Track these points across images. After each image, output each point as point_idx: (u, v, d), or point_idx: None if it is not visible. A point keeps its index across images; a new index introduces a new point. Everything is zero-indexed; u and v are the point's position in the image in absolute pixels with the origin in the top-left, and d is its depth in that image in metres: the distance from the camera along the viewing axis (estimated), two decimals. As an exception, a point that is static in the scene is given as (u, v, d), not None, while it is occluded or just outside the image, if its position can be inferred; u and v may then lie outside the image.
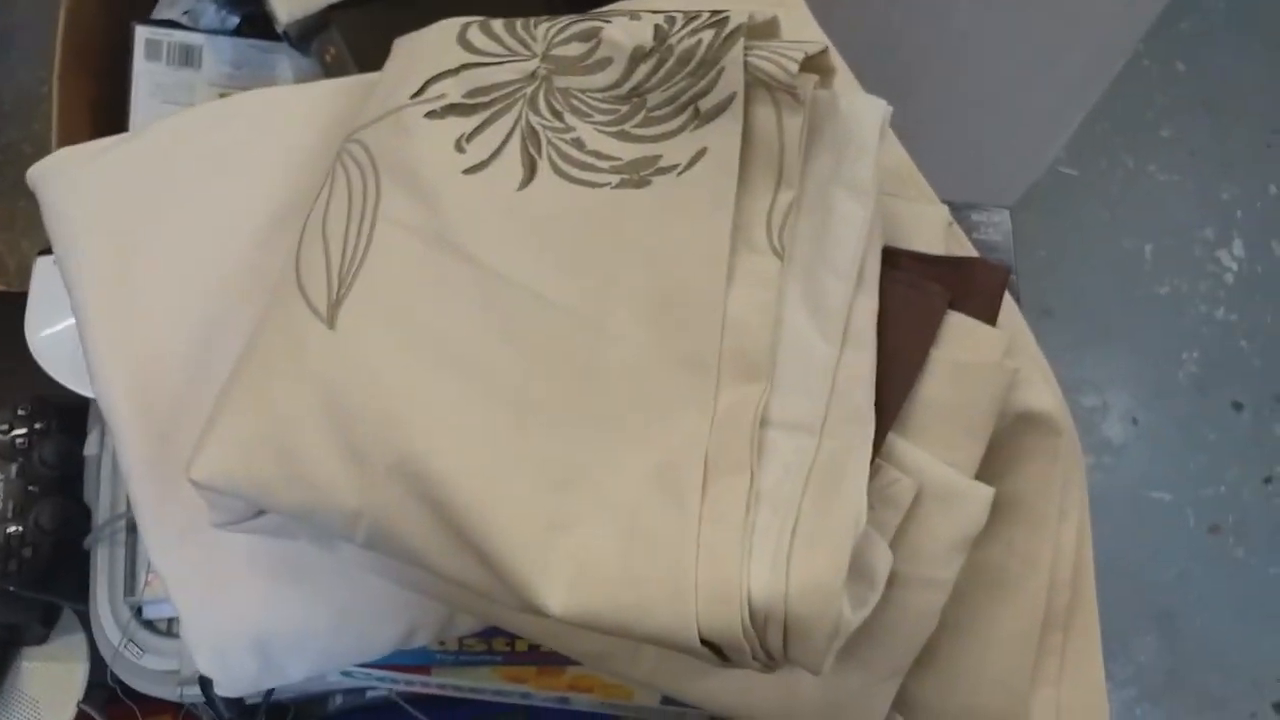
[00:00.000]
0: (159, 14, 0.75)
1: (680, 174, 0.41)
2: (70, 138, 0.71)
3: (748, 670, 0.34)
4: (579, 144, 0.42)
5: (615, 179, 0.41)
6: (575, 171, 0.41)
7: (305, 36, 0.68)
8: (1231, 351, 1.06)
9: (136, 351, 0.43)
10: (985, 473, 0.41)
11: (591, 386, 0.38)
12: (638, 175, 0.41)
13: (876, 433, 0.38)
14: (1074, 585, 0.44)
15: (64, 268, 0.45)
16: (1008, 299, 0.47)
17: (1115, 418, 1.04)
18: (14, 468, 0.60)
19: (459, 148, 0.41)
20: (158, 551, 0.41)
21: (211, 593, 0.41)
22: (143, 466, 0.42)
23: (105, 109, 0.75)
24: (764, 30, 0.43)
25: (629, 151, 0.42)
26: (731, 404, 0.37)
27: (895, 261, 0.43)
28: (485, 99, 0.42)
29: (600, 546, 0.34)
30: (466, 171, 0.41)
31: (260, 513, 0.38)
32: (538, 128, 0.42)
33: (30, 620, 0.60)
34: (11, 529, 0.58)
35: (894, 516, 0.38)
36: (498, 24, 0.44)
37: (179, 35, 0.75)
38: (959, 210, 0.55)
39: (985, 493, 0.39)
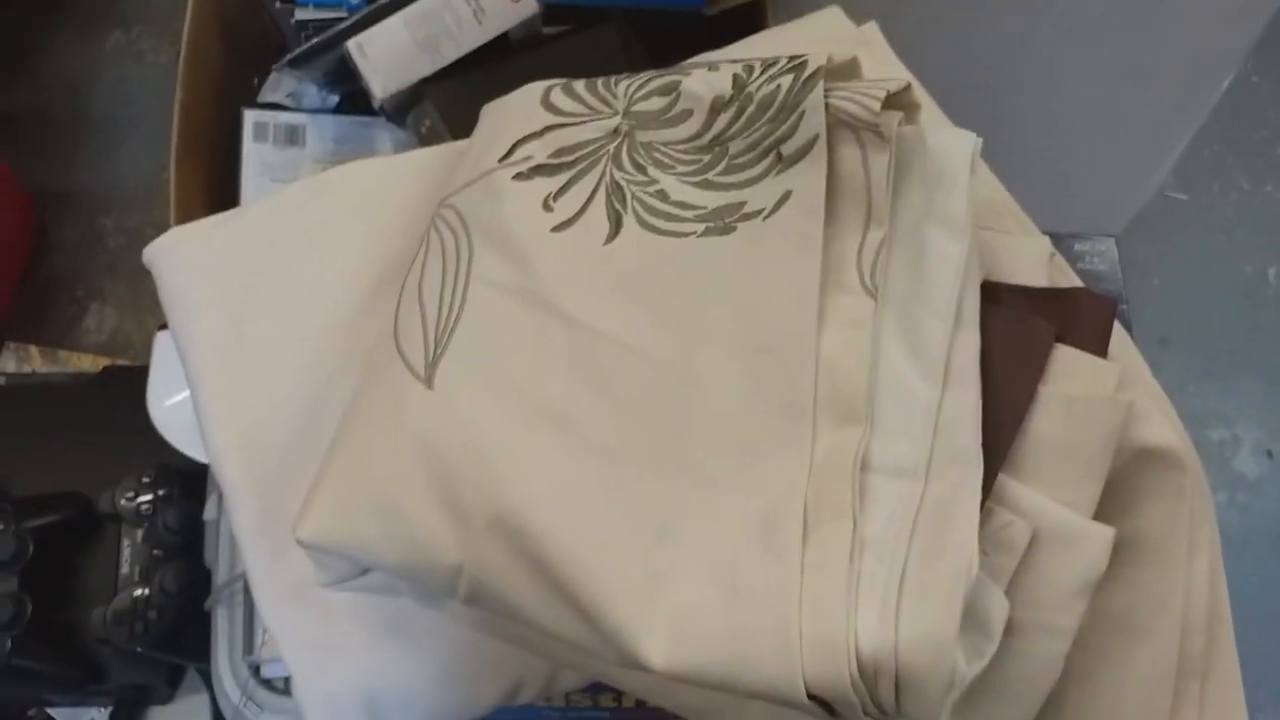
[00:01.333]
0: (264, 97, 0.79)
1: (766, 219, 0.41)
2: (187, 218, 0.75)
3: (860, 725, 0.33)
4: (663, 195, 0.42)
5: (700, 227, 0.41)
6: (660, 223, 0.41)
7: (401, 110, 0.71)
8: (1370, 376, 0.99)
9: (246, 419, 0.45)
10: (1105, 512, 0.39)
11: (686, 436, 0.37)
12: (723, 222, 0.41)
13: (986, 474, 0.37)
14: (1209, 629, 0.41)
15: (178, 340, 0.47)
16: (1119, 330, 0.45)
17: (1247, 451, 0.98)
18: (139, 533, 0.63)
19: (547, 206, 0.42)
20: (269, 611, 0.42)
21: (322, 651, 0.42)
22: (253, 529, 0.43)
23: (219, 190, 0.79)
24: (844, 71, 0.43)
25: (713, 200, 0.42)
26: (830, 448, 0.37)
27: (996, 296, 0.42)
28: (570, 158, 0.43)
29: (701, 598, 0.33)
30: (555, 229, 0.42)
31: (366, 571, 0.39)
32: (622, 182, 0.42)
33: (156, 680, 0.62)
34: (138, 593, 0.61)
35: (1009, 561, 0.36)
36: (580, 84, 0.45)
37: (284, 117, 0.79)
38: (1061, 241, 0.53)
39: (1105, 533, 0.37)
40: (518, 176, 0.43)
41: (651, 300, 0.40)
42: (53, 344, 1.03)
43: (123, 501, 0.63)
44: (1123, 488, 0.40)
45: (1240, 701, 0.41)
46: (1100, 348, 0.41)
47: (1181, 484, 0.40)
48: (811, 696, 0.32)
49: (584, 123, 0.44)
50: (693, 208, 0.42)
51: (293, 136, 0.80)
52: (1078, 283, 0.47)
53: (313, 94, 0.81)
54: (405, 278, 0.43)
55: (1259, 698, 0.90)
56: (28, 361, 0.81)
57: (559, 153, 0.43)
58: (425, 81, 0.68)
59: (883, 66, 0.53)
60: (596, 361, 0.38)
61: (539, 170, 0.43)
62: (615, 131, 0.43)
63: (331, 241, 0.48)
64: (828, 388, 0.38)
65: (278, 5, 0.76)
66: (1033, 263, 0.45)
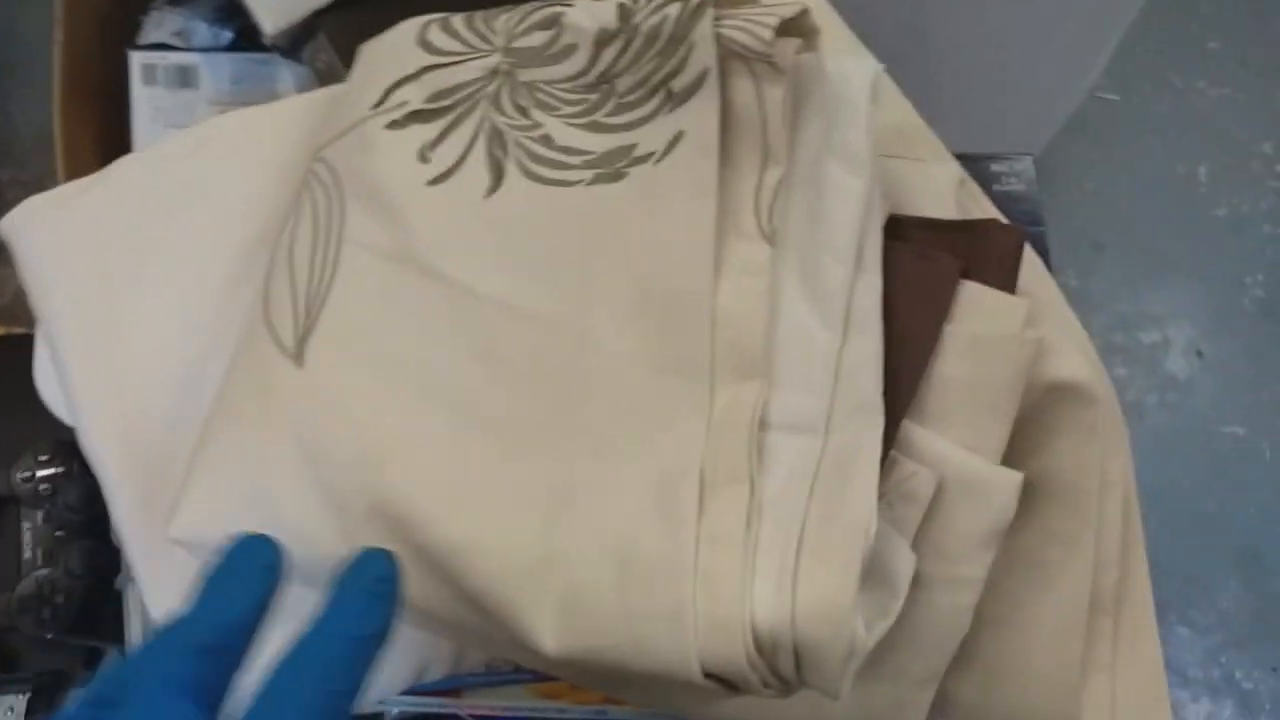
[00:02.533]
0: (146, 38, 0.74)
1: (657, 162, 0.38)
2: (77, 170, 0.71)
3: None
4: (547, 141, 0.39)
5: (589, 174, 0.39)
6: (545, 171, 0.39)
7: (296, 45, 0.66)
8: (1301, 272, 1.00)
9: (120, 405, 0.42)
10: (1014, 451, 0.38)
11: (577, 402, 0.35)
12: (612, 168, 0.39)
13: (890, 422, 0.35)
14: (1122, 562, 0.40)
15: (43, 320, 0.44)
16: (1032, 257, 0.44)
17: (1178, 352, 0.98)
18: (39, 515, 0.60)
19: (423, 158, 0.39)
20: (156, 607, 0.40)
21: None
22: (134, 521, 0.41)
23: (110, 139, 0.75)
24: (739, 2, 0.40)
25: (601, 143, 0.39)
26: (728, 406, 0.35)
27: (900, 231, 0.40)
28: (447, 102, 0.40)
29: (593, 578, 0.32)
30: (431, 183, 0.39)
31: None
32: (503, 128, 0.39)
33: (72, 664, 0.60)
34: (43, 575, 0.58)
35: (915, 512, 0.35)
36: (458, 19, 0.42)
37: (174, 57, 0.74)
38: (976, 163, 0.51)
39: (1013, 479, 0.36)
40: (391, 125, 0.40)
41: (538, 257, 0.37)
42: (-50, 309, 0.97)
43: (19, 481, 0.60)
44: (1032, 425, 0.39)
45: (1153, 629, 0.41)
46: (1009, 281, 0.39)
47: (1093, 419, 0.39)
48: (709, 674, 0.30)
49: (461, 62, 0.41)
50: (580, 153, 0.39)
51: (185, 78, 0.75)
52: (991, 209, 0.45)
53: (203, 31, 0.76)
54: (277, 243, 0.40)
55: (1191, 592, 0.93)
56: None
57: (435, 96, 0.40)
58: (319, 14, 0.64)
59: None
60: (479, 327, 0.36)
61: (414, 117, 0.40)
62: (494, 71, 0.40)
63: (208, 201, 0.45)
64: (725, 342, 0.36)
65: (158, -64, 0.71)
66: (941, 191, 0.43)
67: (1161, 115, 1.11)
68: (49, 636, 0.58)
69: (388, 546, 0.33)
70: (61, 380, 0.43)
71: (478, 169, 0.39)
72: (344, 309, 0.36)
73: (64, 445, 0.61)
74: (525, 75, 0.40)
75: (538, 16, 0.40)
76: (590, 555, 0.32)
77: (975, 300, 0.38)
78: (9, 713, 0.62)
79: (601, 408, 0.35)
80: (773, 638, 0.30)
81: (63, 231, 0.44)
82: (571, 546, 0.33)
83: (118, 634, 0.58)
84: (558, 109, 0.40)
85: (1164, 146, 1.10)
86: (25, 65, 1.13)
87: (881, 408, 0.35)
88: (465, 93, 0.40)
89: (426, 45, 0.41)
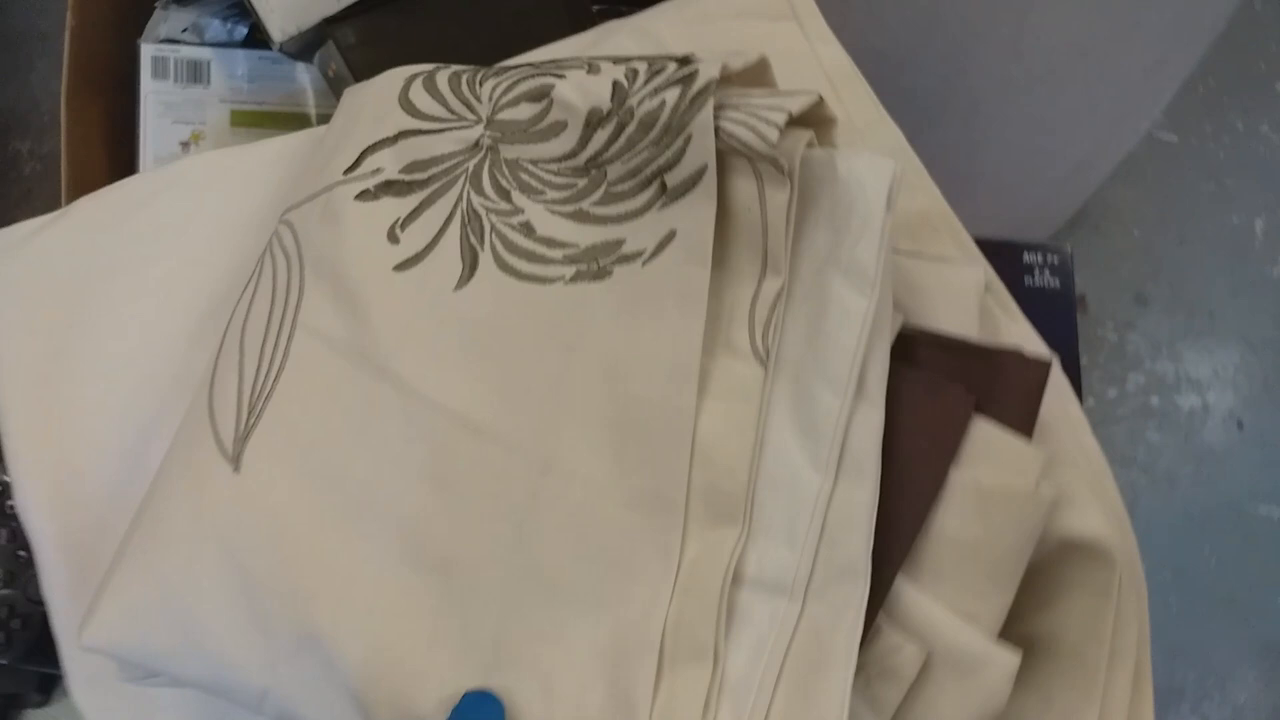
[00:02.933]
0: (152, 35, 0.71)
1: (645, 263, 0.34)
2: (80, 161, 0.68)
3: None
4: (527, 229, 0.35)
5: (569, 270, 0.35)
6: (523, 264, 0.35)
7: (305, 51, 0.63)
8: (1357, 341, 0.93)
9: (59, 471, 0.39)
10: (1018, 605, 0.34)
11: (532, 537, 0.32)
12: (596, 265, 0.35)
13: (879, 581, 0.32)
14: (1129, 734, 0.36)
15: (-14, 366, 0.41)
16: (1057, 374, 0.40)
17: (1217, 421, 0.93)
18: (5, 533, 0.58)
19: (392, 237, 0.36)
20: (78, 693, 0.38)
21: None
22: (62, 599, 0.38)
23: (117, 130, 0.72)
24: (751, 76, 0.36)
25: (586, 235, 0.35)
26: (700, 556, 0.31)
27: (911, 350, 0.36)
28: (423, 175, 0.36)
29: None
30: (398, 268, 0.35)
31: (170, 669, 0.34)
32: (480, 210, 0.36)
33: (26, 689, 0.58)
34: (2, 594, 0.56)
35: (894, 694, 0.31)
36: (443, 79, 0.38)
37: (186, 51, 0.71)
38: (1005, 253, 0.47)
39: (1009, 662, 0.32)
40: (362, 195, 0.36)
41: (506, 363, 0.34)
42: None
43: (-19, 501, 0.58)
44: (1040, 578, 0.35)
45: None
46: (1028, 422, 0.35)
47: (1108, 582, 0.35)
48: None
49: (442, 131, 0.37)
50: (562, 245, 0.35)
51: (196, 73, 0.72)
52: (1019, 318, 0.41)
53: (216, 26, 0.73)
54: (234, 309, 0.37)
55: (1206, 683, 0.88)
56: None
57: (412, 167, 0.37)
58: (329, 21, 0.60)
59: (812, 43, 0.45)
60: (433, 444, 0.33)
61: (387, 188, 0.36)
62: (476, 145, 0.37)
63: (170, 252, 0.41)
64: (703, 478, 0.32)
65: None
66: (964, 297, 0.39)
67: (1220, 160, 1.05)
68: (3, 662, 0.56)
69: (315, 685, 0.31)
70: (2, 433, 0.40)
71: (449, 256, 0.35)
72: (289, 408, 0.33)
73: (31, 464, 0.59)
74: (509, 152, 0.36)
75: (527, 86, 0.36)
76: None
77: (987, 444, 0.34)
78: (-39, 728, 0.60)
79: (560, 544, 0.32)
80: None
81: (15, 272, 0.41)
82: (511, 709, 0.29)
83: (72, 666, 0.56)
84: (542, 192, 0.36)
85: (1220, 195, 1.03)
86: (47, 37, 1.10)
87: (868, 573, 0.31)
88: (444, 166, 0.36)
89: (408, 106, 0.38)
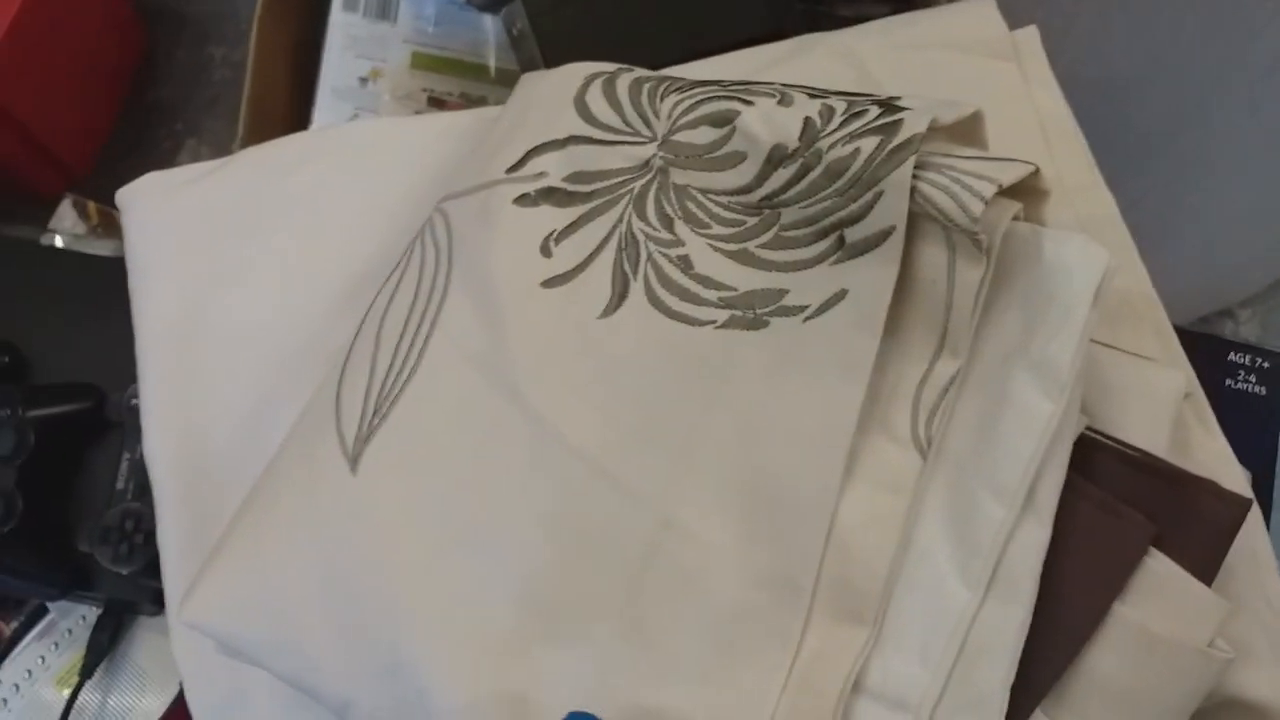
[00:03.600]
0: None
1: (807, 319, 0.32)
2: (264, 82, 0.69)
3: None
4: (685, 263, 0.33)
5: (723, 315, 0.32)
6: (674, 301, 0.33)
7: (493, 5, 0.62)
8: None
9: (187, 418, 0.39)
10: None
11: (644, 595, 0.30)
12: (753, 313, 0.32)
13: (1014, 710, 0.28)
14: None
15: (133, 301, 0.41)
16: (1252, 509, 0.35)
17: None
18: (140, 448, 0.60)
19: (545, 250, 0.34)
20: (181, 652, 0.38)
21: (227, 703, 0.38)
22: (176, 551, 0.39)
23: (301, 56, 0.73)
24: (961, 129, 0.32)
25: (747, 280, 0.33)
26: (820, 652, 0.29)
27: (1089, 459, 0.32)
28: (587, 188, 0.34)
29: None
30: (546, 284, 0.33)
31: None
32: (639, 235, 0.33)
33: (141, 599, 0.60)
34: (131, 507, 0.58)
35: None
36: (624, 85, 0.36)
37: (379, -16, 0.71)
38: (1207, 348, 0.42)
39: None
40: (521, 199, 0.35)
41: (641, 405, 0.32)
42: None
43: (128, 407, 0.59)
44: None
45: None
46: (1212, 565, 0.31)
47: (1275, 755, 0.31)
48: None
49: (614, 143, 0.35)
50: (719, 286, 0.33)
51: (384, 9, 0.72)
52: (1215, 434, 0.36)
53: (413, -38, 0.73)
54: (377, 293, 0.36)
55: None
56: (86, 218, 0.77)
57: (576, 177, 0.35)
58: (519, -25, 0.59)
59: (1031, 88, 0.41)
60: (555, 482, 0.31)
61: (548, 195, 0.35)
62: (646, 165, 0.34)
63: (318, 217, 0.41)
64: (836, 569, 0.29)
65: None
66: (1160, 404, 0.35)
67: None
68: (123, 572, 0.58)
69: (397, 709, 0.30)
70: (138, 375, 0.40)
71: (600, 280, 0.33)
72: (415, 415, 0.32)
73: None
74: (680, 177, 0.34)
75: (711, 109, 0.34)
76: None
77: (1162, 583, 0.30)
78: (81, 620, 0.63)
79: (670, 608, 0.30)
80: None
81: (169, 217, 0.41)
82: None
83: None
84: (707, 226, 0.33)
85: None
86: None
87: (1004, 711, 0.28)
88: (609, 182, 0.34)
89: (582, 109, 0.36)
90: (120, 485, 0.60)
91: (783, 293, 0.32)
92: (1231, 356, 0.42)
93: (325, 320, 0.39)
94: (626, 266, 0.33)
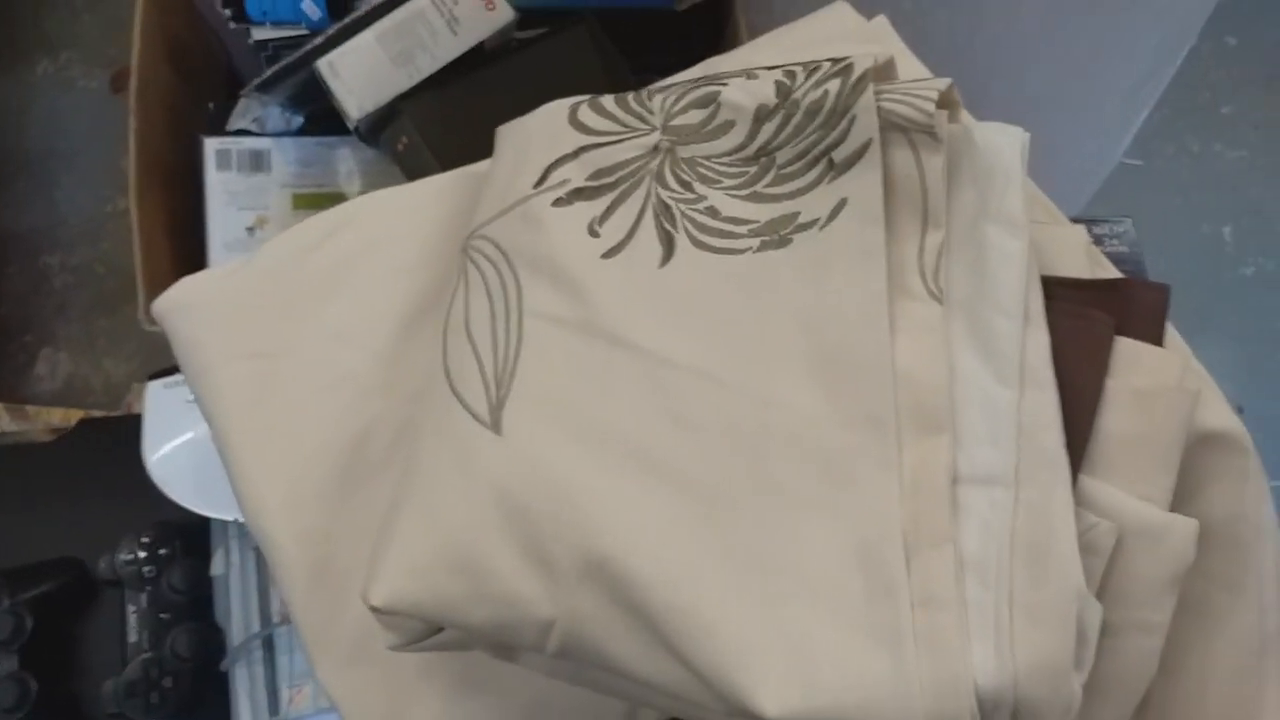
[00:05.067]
0: (235, 124, 0.76)
1: (823, 228, 0.40)
2: (152, 255, 0.72)
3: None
4: (713, 212, 0.41)
5: (755, 242, 0.40)
6: (714, 240, 0.40)
7: (375, 129, 0.68)
8: (1331, 324, 1.03)
9: (285, 474, 0.42)
10: (1172, 499, 0.39)
11: (769, 462, 0.36)
12: (778, 235, 0.40)
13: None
14: (1281, 606, 0.41)
15: (200, 397, 0.44)
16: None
17: (1221, 408, 1.01)
18: (144, 597, 0.60)
19: (592, 232, 0.41)
20: (328, 675, 0.40)
21: (391, 715, 0.40)
22: (304, 590, 0.41)
23: (182, 223, 0.76)
24: (885, 72, 0.42)
25: (764, 213, 0.41)
26: (918, 463, 0.36)
27: (1049, 291, 0.41)
28: (610, 179, 0.42)
29: (812, 643, 0.32)
30: (605, 255, 0.40)
31: (438, 630, 0.37)
32: (669, 201, 0.41)
33: (177, 749, 0.59)
34: (149, 658, 0.58)
35: (1098, 564, 0.36)
36: (608, 101, 0.44)
37: (247, 142, 0.76)
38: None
39: (1189, 526, 0.37)
40: (557, 203, 0.41)
41: (716, 322, 0.39)
42: (3, 396, 0.97)
43: (123, 564, 0.59)
44: (1186, 474, 0.40)
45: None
46: (1156, 336, 0.41)
47: (1245, 467, 0.40)
48: None
49: (620, 141, 0.42)
50: (745, 222, 0.40)
51: (258, 162, 0.77)
52: (1113, 270, 0.47)
53: (276, 116, 0.78)
54: (447, 317, 0.41)
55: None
56: (-10, 419, 0.76)
57: (597, 174, 0.42)
58: (401, 98, 0.66)
59: (901, 61, 0.52)
60: (669, 391, 0.37)
61: (578, 194, 0.42)
62: (655, 149, 0.42)
63: (352, 281, 0.46)
64: (908, 398, 0.37)
65: (232, 26, 0.72)
66: (1073, 253, 0.45)
67: (1183, 179, 1.15)
68: (155, 720, 0.57)
69: (601, 608, 0.34)
70: (222, 454, 0.43)
71: (649, 241, 0.40)
72: (536, 378, 0.37)
73: (166, 527, 0.61)
74: (685, 151, 0.42)
75: (694, 96, 0.42)
76: (804, 619, 0.33)
77: (1132, 356, 0.39)
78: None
79: (792, 467, 0.36)
80: (995, 699, 0.31)
81: (218, 309, 0.45)
82: (787, 610, 0.33)
83: (222, 717, 0.57)
84: (719, 181, 0.41)
85: (1188, 209, 1.13)
86: (71, 154, 1.14)
87: (1067, 462, 0.36)
88: (628, 170, 0.42)
89: (580, 126, 0.43)
90: (133, 638, 0.59)
91: (795, 215, 0.40)
92: (1094, 229, 0.54)
93: (393, 359, 0.44)
94: (667, 226, 0.40)
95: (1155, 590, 0.36)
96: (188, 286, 0.46)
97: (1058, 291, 0.41)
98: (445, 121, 0.66)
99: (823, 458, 0.36)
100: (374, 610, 0.35)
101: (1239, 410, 1.00)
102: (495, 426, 0.36)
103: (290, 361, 0.44)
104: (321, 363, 0.44)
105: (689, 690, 0.33)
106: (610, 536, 0.34)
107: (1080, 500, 0.37)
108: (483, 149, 0.48)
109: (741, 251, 0.40)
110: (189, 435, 0.59)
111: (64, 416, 0.73)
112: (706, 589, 0.33)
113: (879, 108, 0.39)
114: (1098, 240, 0.54)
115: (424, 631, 0.37)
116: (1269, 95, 1.16)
